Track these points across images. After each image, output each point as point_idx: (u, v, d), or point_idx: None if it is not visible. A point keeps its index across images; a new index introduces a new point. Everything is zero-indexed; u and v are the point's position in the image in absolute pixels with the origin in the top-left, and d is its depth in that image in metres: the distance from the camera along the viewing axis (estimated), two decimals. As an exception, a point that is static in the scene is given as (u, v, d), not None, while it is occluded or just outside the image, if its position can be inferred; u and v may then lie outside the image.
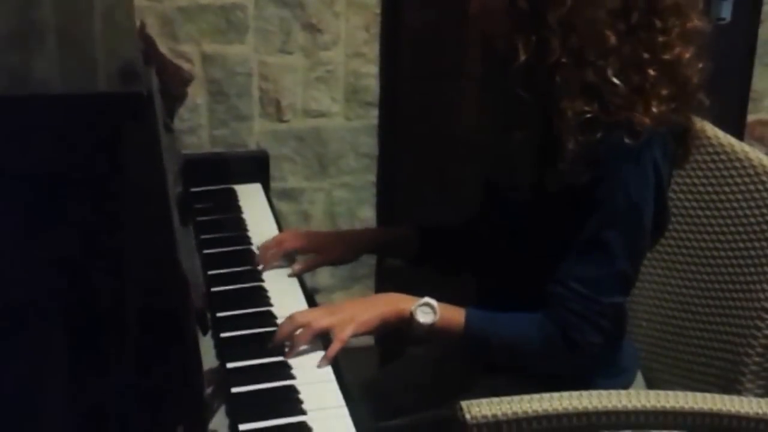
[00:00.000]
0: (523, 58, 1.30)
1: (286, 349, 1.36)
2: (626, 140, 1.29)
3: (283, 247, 1.62)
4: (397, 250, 1.73)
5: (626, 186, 1.32)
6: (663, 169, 1.35)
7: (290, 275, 1.59)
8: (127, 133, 0.91)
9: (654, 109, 1.29)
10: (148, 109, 0.93)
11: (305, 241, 1.65)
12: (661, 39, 1.31)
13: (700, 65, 1.36)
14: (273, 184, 2.11)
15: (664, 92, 1.31)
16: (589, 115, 1.29)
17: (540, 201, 1.38)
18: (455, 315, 1.39)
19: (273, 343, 1.36)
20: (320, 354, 1.36)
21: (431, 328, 1.38)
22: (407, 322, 1.39)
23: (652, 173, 1.33)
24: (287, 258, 1.63)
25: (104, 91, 0.96)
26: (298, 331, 1.36)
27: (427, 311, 1.38)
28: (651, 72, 1.30)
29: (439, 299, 1.41)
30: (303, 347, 1.36)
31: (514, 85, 1.32)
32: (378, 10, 2.41)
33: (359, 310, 1.38)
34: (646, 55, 1.30)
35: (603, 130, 1.29)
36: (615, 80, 1.28)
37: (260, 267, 1.59)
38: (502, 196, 1.49)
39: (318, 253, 1.64)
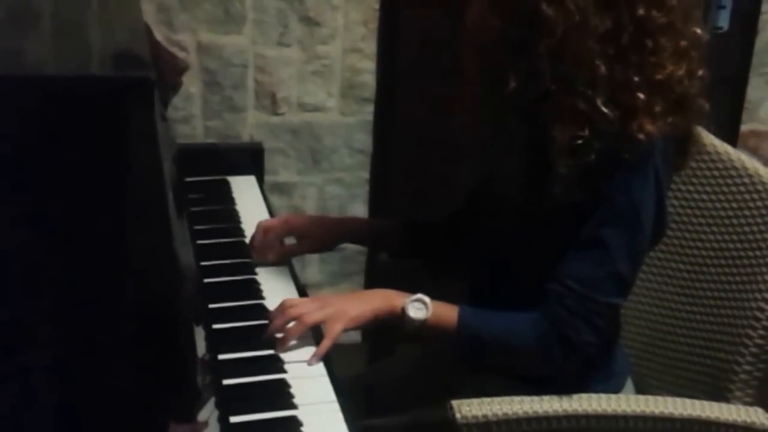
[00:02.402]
0: (513, 85, 1.30)
1: (277, 342, 1.35)
2: (625, 156, 1.29)
3: (268, 235, 1.62)
4: (380, 241, 1.72)
5: (627, 188, 1.32)
6: (662, 174, 1.35)
7: (269, 261, 1.58)
8: (130, 118, 0.90)
9: (649, 127, 1.29)
10: (152, 95, 0.92)
11: (287, 228, 1.64)
12: (652, 59, 1.30)
13: (700, 73, 1.36)
14: (265, 177, 2.11)
15: (658, 109, 1.30)
16: (580, 141, 1.29)
17: (534, 213, 1.38)
18: (448, 312, 1.39)
19: (265, 336, 1.36)
20: (312, 348, 1.35)
21: (423, 325, 1.38)
22: (399, 317, 1.38)
23: (653, 178, 1.33)
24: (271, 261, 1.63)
25: (112, 75, 0.95)
26: (290, 324, 1.35)
27: (419, 307, 1.38)
28: (641, 95, 1.29)
29: (431, 297, 1.41)
30: (294, 341, 1.35)
31: (504, 109, 1.31)
32: (377, 6, 2.41)
33: (351, 305, 1.38)
34: (636, 78, 1.29)
35: (596, 153, 1.29)
36: (604, 109, 1.28)
37: (255, 255, 1.59)
38: (493, 203, 1.49)
39: (299, 239, 1.64)
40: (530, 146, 1.36)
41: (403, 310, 1.38)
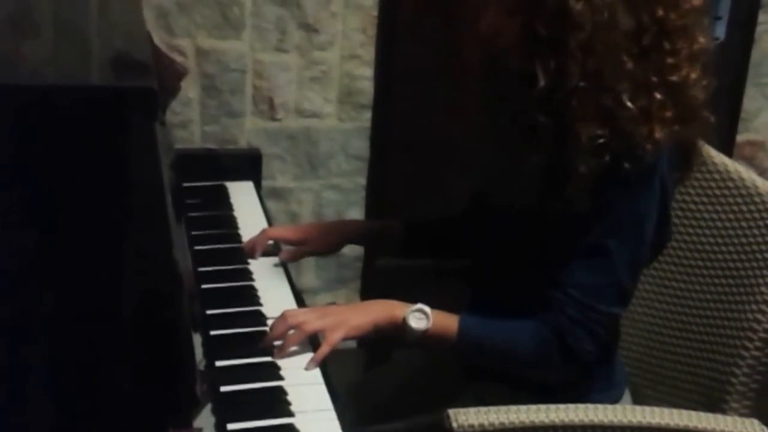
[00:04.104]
0: (543, 83, 1.29)
1: (276, 349, 1.35)
2: (632, 167, 1.30)
3: (267, 235, 1.63)
4: (382, 242, 1.73)
5: (633, 199, 1.33)
6: (668, 183, 1.36)
7: (276, 264, 1.60)
8: (132, 128, 0.90)
9: (657, 135, 1.30)
10: (155, 105, 0.92)
11: (290, 232, 1.66)
12: (669, 60, 1.32)
13: (705, 82, 1.37)
14: (262, 183, 2.11)
15: (668, 114, 1.31)
16: (602, 140, 1.29)
17: (538, 220, 1.38)
18: (449, 321, 1.39)
19: (264, 343, 1.36)
20: (309, 356, 1.35)
21: (424, 335, 1.38)
22: (400, 328, 1.38)
23: (659, 187, 1.34)
24: (275, 255, 1.64)
25: (116, 85, 0.95)
26: (290, 332, 1.35)
27: (420, 317, 1.38)
28: (657, 96, 1.30)
29: (429, 305, 1.41)
30: (292, 348, 1.35)
31: (531, 110, 1.31)
32: (375, 13, 2.41)
33: (351, 315, 1.38)
34: (654, 78, 1.31)
35: (610, 155, 1.30)
36: (629, 104, 1.29)
37: (250, 259, 1.60)
38: (494, 211, 1.49)
39: (303, 244, 1.65)
40: (554, 147, 1.35)
41: (404, 321, 1.38)
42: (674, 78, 1.31)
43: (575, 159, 1.29)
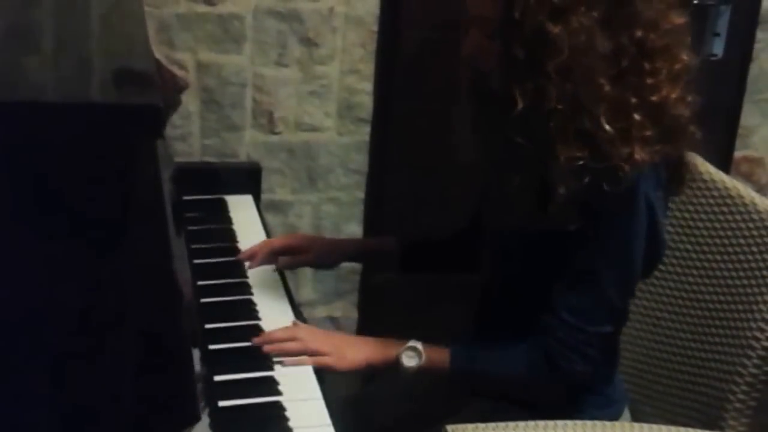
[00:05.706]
0: (521, 106, 1.29)
1: (269, 353, 1.39)
2: (612, 188, 1.30)
3: (269, 246, 1.66)
4: (379, 258, 1.75)
5: (616, 219, 1.33)
6: (655, 201, 1.36)
7: (273, 270, 1.64)
8: (136, 144, 0.90)
9: (637, 156, 1.30)
10: (160, 122, 0.92)
11: (290, 240, 1.71)
12: (649, 81, 1.32)
13: (689, 99, 1.37)
14: (261, 196, 2.11)
15: (648, 134, 1.31)
16: (581, 162, 1.29)
17: (529, 238, 1.38)
18: (440, 356, 1.43)
19: (262, 338, 1.40)
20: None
21: (417, 371, 1.42)
22: (393, 366, 1.43)
23: (644, 207, 1.34)
24: (275, 268, 1.65)
25: (122, 102, 0.96)
26: (290, 344, 1.39)
27: (411, 356, 1.42)
28: (636, 117, 1.30)
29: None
30: (287, 357, 1.38)
31: (511, 132, 1.32)
32: (375, 28, 2.42)
33: (349, 349, 1.43)
34: (633, 100, 1.31)
35: (590, 176, 1.30)
36: (607, 127, 1.29)
37: (247, 264, 1.65)
38: (489, 230, 1.50)
39: (305, 252, 1.68)
40: (536, 168, 1.36)
41: (397, 359, 1.41)
42: (654, 98, 1.31)
43: (555, 180, 1.30)
